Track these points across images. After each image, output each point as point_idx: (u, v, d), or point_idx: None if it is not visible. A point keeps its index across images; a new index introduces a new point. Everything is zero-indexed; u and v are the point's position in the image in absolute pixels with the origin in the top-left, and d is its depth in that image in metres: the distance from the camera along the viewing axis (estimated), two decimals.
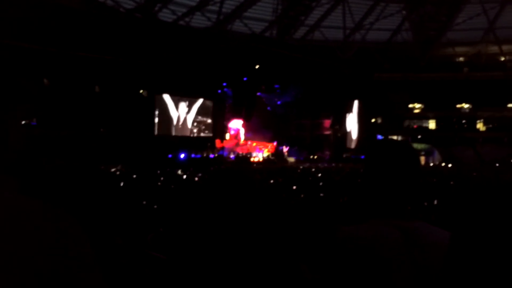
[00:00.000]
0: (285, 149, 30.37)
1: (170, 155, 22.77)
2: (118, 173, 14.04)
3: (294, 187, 11.37)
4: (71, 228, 0.80)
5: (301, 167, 21.60)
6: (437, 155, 35.21)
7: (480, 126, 38.91)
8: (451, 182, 14.05)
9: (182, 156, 23.39)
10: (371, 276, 1.42)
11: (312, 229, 5.63)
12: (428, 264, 1.40)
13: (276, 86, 31.78)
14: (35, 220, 0.77)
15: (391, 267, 1.42)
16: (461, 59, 39.83)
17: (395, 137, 36.81)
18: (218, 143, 27.73)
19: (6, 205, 0.77)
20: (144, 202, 7.38)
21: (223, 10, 30.76)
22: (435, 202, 8.66)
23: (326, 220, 6.16)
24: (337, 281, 1.49)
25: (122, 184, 10.12)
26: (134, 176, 12.79)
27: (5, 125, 0.83)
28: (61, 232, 0.78)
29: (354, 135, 35.09)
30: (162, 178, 12.76)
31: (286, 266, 1.52)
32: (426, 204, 8.36)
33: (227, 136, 29.15)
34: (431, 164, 31.43)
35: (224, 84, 28.00)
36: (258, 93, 29.86)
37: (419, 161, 1.59)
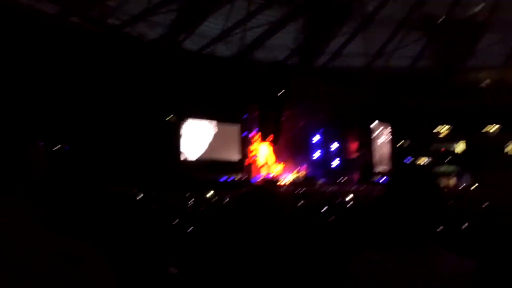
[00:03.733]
0: (302, 170, 30.44)
1: (204, 179, 23.00)
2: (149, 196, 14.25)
3: (323, 210, 11.38)
4: (93, 265, 0.80)
5: (329, 189, 21.56)
6: (468, 178, 34.63)
7: (508, 149, 38.24)
8: (482, 206, 13.85)
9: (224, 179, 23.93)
10: None
11: (335, 255, 5.66)
12: None
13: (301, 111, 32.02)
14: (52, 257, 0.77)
15: None
16: (485, 84, 39.57)
17: (424, 159, 36.52)
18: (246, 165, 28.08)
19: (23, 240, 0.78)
20: (174, 222, 7.56)
21: (245, 40, 31.28)
22: (464, 226, 8.59)
23: (351, 245, 6.16)
24: None
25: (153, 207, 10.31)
26: (164, 199, 12.96)
27: (27, 156, 0.88)
28: (82, 271, 0.78)
29: (382, 158, 34.92)
30: (190, 202, 12.88)
31: None
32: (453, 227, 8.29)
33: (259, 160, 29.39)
34: (462, 187, 30.95)
35: (250, 109, 28.37)
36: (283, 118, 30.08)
37: (438, 188, 1.62)
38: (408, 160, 33.44)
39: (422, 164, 33.10)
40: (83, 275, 0.79)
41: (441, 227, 7.69)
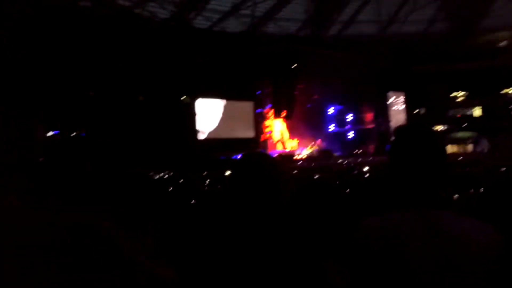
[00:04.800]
0: (318, 142, 30.40)
1: (222, 157, 23.20)
2: (166, 177, 14.46)
3: (337, 182, 11.43)
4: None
5: (345, 162, 21.56)
6: (485, 143, 34.23)
7: None
8: (501, 170, 13.72)
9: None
10: (391, 266, 1.43)
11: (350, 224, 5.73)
12: (451, 253, 1.38)
13: (314, 83, 31.84)
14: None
15: (411, 256, 1.41)
16: (503, 43, 38.50)
17: (440, 127, 36.17)
18: (261, 141, 28.09)
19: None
20: (193, 201, 7.72)
21: (256, 14, 30.98)
22: (481, 190, 8.55)
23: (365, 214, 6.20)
24: (359, 272, 1.50)
25: (171, 188, 10.50)
26: (181, 180, 13.14)
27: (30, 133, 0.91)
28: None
29: None
30: (208, 180, 13.02)
31: (310, 263, 1.57)
32: (472, 191, 8.27)
33: (274, 135, 29.42)
34: (479, 152, 30.69)
35: (262, 85, 28.29)
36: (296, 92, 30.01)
37: (443, 146, 1.56)
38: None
39: (424, 124, 32.64)
40: (89, 249, 0.84)
41: (456, 195, 7.75)
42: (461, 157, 20.29)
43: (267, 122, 29.15)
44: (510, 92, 37.68)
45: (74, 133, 18.22)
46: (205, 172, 14.95)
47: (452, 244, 1.39)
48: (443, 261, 1.38)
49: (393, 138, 1.62)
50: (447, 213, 1.48)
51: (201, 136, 25.30)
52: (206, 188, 11.09)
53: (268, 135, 29.04)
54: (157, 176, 14.16)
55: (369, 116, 33.38)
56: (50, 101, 16.60)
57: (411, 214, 1.47)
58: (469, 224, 1.44)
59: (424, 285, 1.37)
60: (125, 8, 24.56)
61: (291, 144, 29.77)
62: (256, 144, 27.03)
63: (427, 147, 1.51)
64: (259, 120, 28.38)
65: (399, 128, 1.66)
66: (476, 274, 1.36)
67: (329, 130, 33.34)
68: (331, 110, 33.70)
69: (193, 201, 7.83)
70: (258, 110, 28.45)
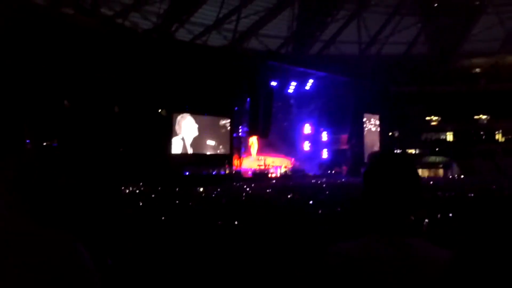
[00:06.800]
0: (292, 162, 30.61)
1: (186, 172, 23.08)
2: (137, 191, 14.30)
3: (311, 202, 11.47)
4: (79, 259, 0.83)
5: (318, 182, 21.67)
6: (455, 168, 34.87)
7: (499, 137, 38.42)
8: (470, 195, 13.96)
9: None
10: None
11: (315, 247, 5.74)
12: (418, 281, 1.40)
13: (292, 102, 32.06)
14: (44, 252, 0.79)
15: (377, 283, 1.42)
16: (478, 70, 39.49)
17: (412, 151, 36.69)
18: (236, 158, 27.96)
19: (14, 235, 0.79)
20: (163, 218, 7.62)
21: (239, 28, 31.14)
22: (450, 215, 8.67)
23: (332, 237, 6.24)
24: None
25: (141, 203, 10.38)
26: (153, 195, 12.99)
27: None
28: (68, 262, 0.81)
29: (373, 149, 34.94)
30: (178, 197, 12.91)
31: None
32: (439, 216, 8.37)
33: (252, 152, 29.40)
34: (450, 177, 31.18)
35: (240, 101, 28.29)
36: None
37: (417, 174, 1.56)
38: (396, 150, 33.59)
39: (401, 151, 33.09)
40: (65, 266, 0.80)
41: (426, 220, 7.80)
42: (432, 182, 20.61)
43: (243, 139, 29.13)
44: (482, 118, 38.54)
45: (46, 143, 17.86)
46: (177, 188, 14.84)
47: (419, 272, 1.40)
48: (407, 286, 1.39)
49: (367, 164, 1.62)
50: (416, 241, 1.49)
51: (176, 150, 25.08)
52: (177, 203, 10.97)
53: (243, 152, 28.98)
54: (128, 191, 14.00)
55: (343, 137, 33.64)
56: (23, 109, 16.25)
57: (380, 240, 1.48)
58: (436, 252, 1.46)
59: None
60: (107, 17, 24.39)
61: (267, 162, 29.77)
62: (230, 161, 26.93)
63: (401, 174, 1.52)
64: (235, 137, 28.32)
65: (373, 154, 1.69)
66: None
67: (304, 149, 33.48)
68: (307, 130, 33.84)
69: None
70: (235, 127, 28.37)
